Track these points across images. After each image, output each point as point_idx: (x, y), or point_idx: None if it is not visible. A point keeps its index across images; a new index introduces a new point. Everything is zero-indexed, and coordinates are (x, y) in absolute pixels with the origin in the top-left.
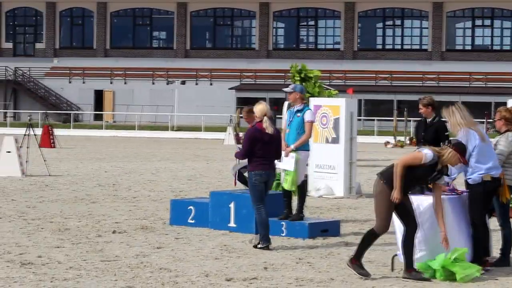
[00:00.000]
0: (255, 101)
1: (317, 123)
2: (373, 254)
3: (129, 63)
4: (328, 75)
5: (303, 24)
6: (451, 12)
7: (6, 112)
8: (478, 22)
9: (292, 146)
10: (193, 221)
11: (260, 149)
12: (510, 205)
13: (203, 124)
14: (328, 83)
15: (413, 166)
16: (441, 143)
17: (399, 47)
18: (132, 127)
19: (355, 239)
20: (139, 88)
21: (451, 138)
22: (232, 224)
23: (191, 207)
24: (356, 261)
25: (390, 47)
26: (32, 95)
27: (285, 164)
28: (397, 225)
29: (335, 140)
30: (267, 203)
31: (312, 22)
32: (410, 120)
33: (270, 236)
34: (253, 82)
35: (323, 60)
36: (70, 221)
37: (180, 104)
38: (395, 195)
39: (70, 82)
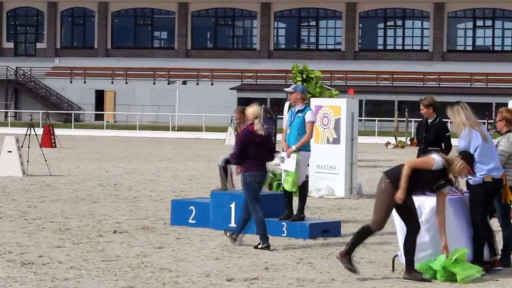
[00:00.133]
0: (256, 101)
1: (318, 124)
2: (374, 254)
3: (130, 63)
4: (329, 75)
5: (304, 24)
6: (452, 12)
7: (7, 112)
8: (479, 22)
9: (294, 147)
10: (194, 221)
11: (252, 150)
12: (511, 206)
13: (204, 124)
14: (329, 84)
15: (422, 170)
16: (442, 144)
17: (400, 47)
18: (133, 127)
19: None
20: (140, 88)
21: (460, 150)
22: (233, 224)
23: (192, 207)
24: (346, 256)
25: (391, 47)
26: (33, 95)
27: (286, 165)
28: (398, 226)
29: (336, 141)
30: (268, 203)
31: (313, 23)
32: (411, 121)
33: (271, 236)
34: (254, 83)
35: (324, 61)
36: (71, 221)
37: (181, 104)
38: (399, 195)
39: (71, 82)
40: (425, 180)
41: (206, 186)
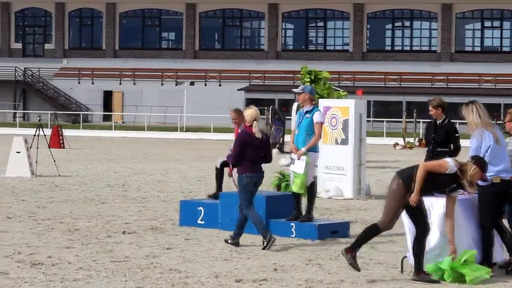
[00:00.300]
0: (264, 102)
1: (327, 125)
2: (383, 255)
3: (138, 63)
4: (337, 76)
5: (312, 25)
6: (460, 13)
7: (15, 113)
8: (487, 23)
9: (304, 149)
10: (202, 222)
11: (250, 153)
12: None
13: (212, 125)
14: (337, 84)
15: (435, 173)
16: (451, 145)
17: (408, 48)
18: (141, 128)
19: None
20: (148, 89)
21: (473, 155)
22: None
23: (201, 208)
24: (351, 252)
25: (399, 48)
26: (42, 96)
27: (296, 166)
28: (407, 227)
29: (344, 142)
30: (276, 204)
31: (321, 23)
32: (419, 122)
33: (280, 237)
34: (262, 83)
35: (332, 61)
36: (80, 221)
37: (189, 105)
38: (414, 197)
39: (79, 83)
40: (438, 183)
41: (215, 187)
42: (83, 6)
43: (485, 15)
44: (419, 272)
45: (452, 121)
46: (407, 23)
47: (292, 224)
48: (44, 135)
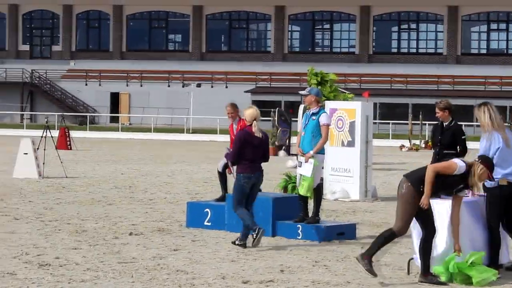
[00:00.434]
0: (270, 104)
1: (333, 127)
2: (390, 257)
3: (145, 65)
4: (343, 78)
5: (318, 27)
6: (466, 16)
7: (23, 114)
8: (494, 26)
9: (312, 152)
10: (209, 224)
11: (249, 152)
12: None
13: (218, 126)
14: (343, 87)
15: (444, 174)
16: (458, 147)
17: (414, 50)
18: (148, 130)
19: (371, 242)
20: (155, 90)
21: (480, 154)
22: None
23: (208, 209)
24: (367, 258)
25: (405, 50)
26: (49, 97)
27: (303, 169)
28: (414, 229)
29: (351, 144)
30: (283, 205)
31: (327, 26)
32: (425, 124)
33: (286, 239)
34: (269, 85)
35: (339, 64)
36: (87, 222)
37: (195, 106)
38: (424, 200)
39: (86, 85)
40: (446, 184)
41: (220, 190)
42: (91, 8)
43: (491, 17)
44: (426, 274)
45: (459, 123)
46: (413, 26)
47: (299, 225)
48: (52, 136)
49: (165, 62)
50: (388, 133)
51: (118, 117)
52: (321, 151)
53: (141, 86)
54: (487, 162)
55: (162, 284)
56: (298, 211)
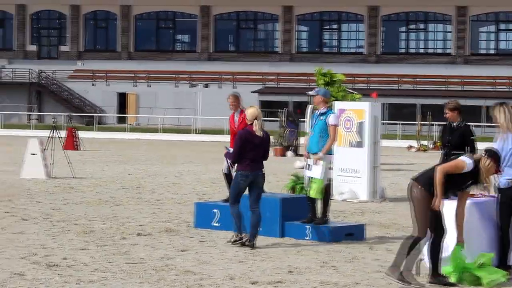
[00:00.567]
0: (278, 104)
1: (341, 127)
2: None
3: (152, 66)
4: (351, 78)
5: (326, 27)
6: (475, 16)
7: (30, 115)
8: (502, 26)
9: (321, 154)
10: (217, 224)
11: (250, 150)
12: None
13: (226, 127)
14: (351, 87)
15: (453, 174)
16: (467, 147)
17: (422, 51)
18: (155, 130)
19: (379, 243)
20: (162, 91)
21: (486, 148)
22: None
23: (216, 210)
24: (397, 270)
25: (414, 51)
26: (56, 98)
27: (313, 172)
28: None
29: (359, 144)
30: (291, 206)
31: (335, 26)
32: (433, 124)
33: (295, 240)
34: (276, 86)
35: (346, 64)
36: (95, 223)
37: (203, 107)
38: (437, 203)
39: (93, 85)
40: (455, 183)
41: (227, 191)
42: (98, 8)
43: (500, 17)
44: (436, 275)
45: (468, 123)
46: (421, 26)
47: (307, 226)
48: (59, 137)
49: (172, 62)
50: (396, 134)
51: (125, 117)
52: (330, 152)
53: (149, 86)
54: (494, 155)
55: (170, 285)
56: (306, 212)
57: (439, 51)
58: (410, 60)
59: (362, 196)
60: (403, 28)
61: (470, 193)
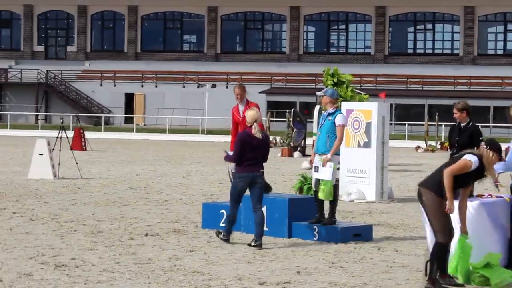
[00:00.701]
0: (285, 105)
1: (349, 127)
2: (406, 259)
3: (159, 66)
4: (359, 79)
5: (333, 28)
6: (483, 16)
7: (37, 115)
8: (510, 26)
9: (329, 156)
10: (225, 225)
11: (249, 152)
12: None
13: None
14: (359, 87)
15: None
16: (475, 148)
17: (430, 51)
18: (162, 130)
19: (387, 244)
20: (169, 91)
21: (487, 139)
22: (264, 228)
23: (223, 210)
24: (445, 276)
25: (421, 51)
26: (64, 98)
27: (322, 173)
28: (429, 231)
29: (367, 145)
30: (299, 207)
31: (343, 26)
32: (441, 125)
33: (302, 240)
34: (284, 86)
35: (354, 64)
36: (103, 223)
37: (210, 107)
38: (450, 206)
39: (101, 85)
40: (463, 182)
41: None
42: (105, 9)
43: (508, 18)
44: (444, 276)
45: (476, 124)
46: (429, 26)
47: (315, 227)
48: (67, 137)
49: (180, 63)
50: (404, 134)
51: (132, 118)
52: (337, 152)
53: (156, 86)
54: (494, 145)
55: (178, 286)
56: (314, 212)
57: (447, 51)
58: (418, 61)
59: (370, 197)
60: (411, 29)
61: (478, 194)
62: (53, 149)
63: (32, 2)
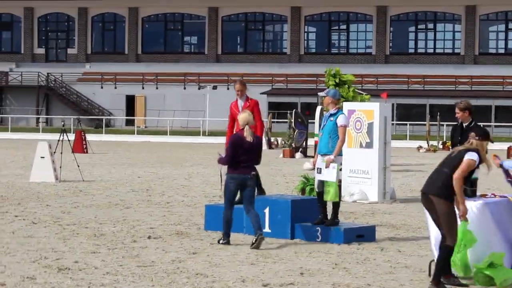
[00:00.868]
0: (287, 105)
1: (351, 128)
2: (410, 259)
3: (160, 68)
4: (360, 79)
5: (334, 28)
6: (484, 15)
7: (38, 118)
8: None
9: (332, 156)
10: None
11: (241, 155)
12: None
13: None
14: (360, 88)
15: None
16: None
17: (431, 51)
18: (163, 132)
19: (390, 245)
20: (170, 93)
21: (475, 129)
22: (267, 229)
23: None
24: (449, 276)
25: (423, 51)
26: (64, 101)
27: (326, 175)
28: (432, 232)
29: (369, 145)
30: (301, 208)
31: (343, 26)
32: (442, 125)
33: (306, 242)
34: (285, 87)
35: (355, 65)
36: (105, 226)
37: (211, 109)
38: (464, 209)
39: (102, 88)
40: (466, 178)
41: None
42: (106, 10)
43: (510, 17)
44: (448, 276)
45: (478, 123)
46: (430, 26)
47: (318, 228)
48: (68, 140)
49: (180, 64)
50: (406, 134)
51: (133, 120)
52: (339, 153)
53: (157, 88)
54: (484, 133)
55: None
56: (316, 214)
57: (448, 51)
58: (419, 60)
59: (372, 197)
60: (412, 28)
61: (482, 193)
62: (54, 152)
63: (33, 4)
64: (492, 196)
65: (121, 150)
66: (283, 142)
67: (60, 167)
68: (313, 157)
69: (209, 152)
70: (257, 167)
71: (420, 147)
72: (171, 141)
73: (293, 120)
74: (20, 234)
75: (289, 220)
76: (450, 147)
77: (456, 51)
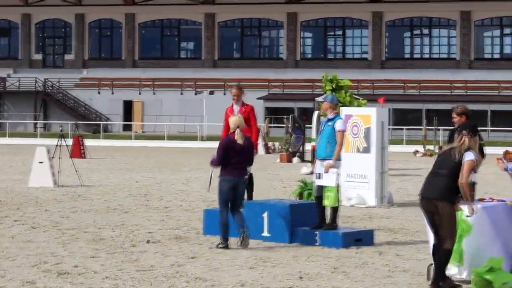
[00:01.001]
0: (283, 110)
1: (348, 133)
2: (408, 263)
3: (157, 73)
4: (356, 84)
5: (330, 33)
6: (479, 20)
7: (36, 123)
8: (507, 30)
9: (332, 161)
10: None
11: (233, 157)
12: None
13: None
14: (356, 93)
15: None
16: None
17: (427, 56)
18: (161, 137)
19: (388, 249)
20: (167, 98)
21: (463, 127)
22: (266, 233)
23: None
24: (447, 279)
25: (418, 56)
26: (62, 106)
27: (325, 180)
28: (431, 235)
29: (367, 150)
30: (300, 212)
31: (339, 32)
32: (439, 129)
33: (304, 246)
34: (281, 92)
35: (351, 70)
36: (104, 231)
37: (208, 114)
38: (474, 209)
39: (99, 93)
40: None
41: None
42: (103, 16)
43: (504, 22)
44: (445, 279)
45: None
46: (425, 31)
47: (316, 232)
48: (66, 145)
49: (177, 70)
50: (402, 139)
51: (131, 125)
52: (338, 158)
53: (154, 94)
54: (473, 128)
55: None
56: (315, 218)
57: (444, 56)
58: (415, 65)
59: (370, 202)
60: (408, 34)
61: (480, 197)
62: (52, 157)
63: (30, 10)
64: (490, 200)
65: (118, 155)
66: (280, 147)
67: (59, 172)
68: (310, 161)
69: (206, 157)
70: (254, 172)
71: (416, 152)
72: (168, 146)
73: (290, 125)
74: (20, 238)
75: (288, 224)
76: None
77: (452, 56)
